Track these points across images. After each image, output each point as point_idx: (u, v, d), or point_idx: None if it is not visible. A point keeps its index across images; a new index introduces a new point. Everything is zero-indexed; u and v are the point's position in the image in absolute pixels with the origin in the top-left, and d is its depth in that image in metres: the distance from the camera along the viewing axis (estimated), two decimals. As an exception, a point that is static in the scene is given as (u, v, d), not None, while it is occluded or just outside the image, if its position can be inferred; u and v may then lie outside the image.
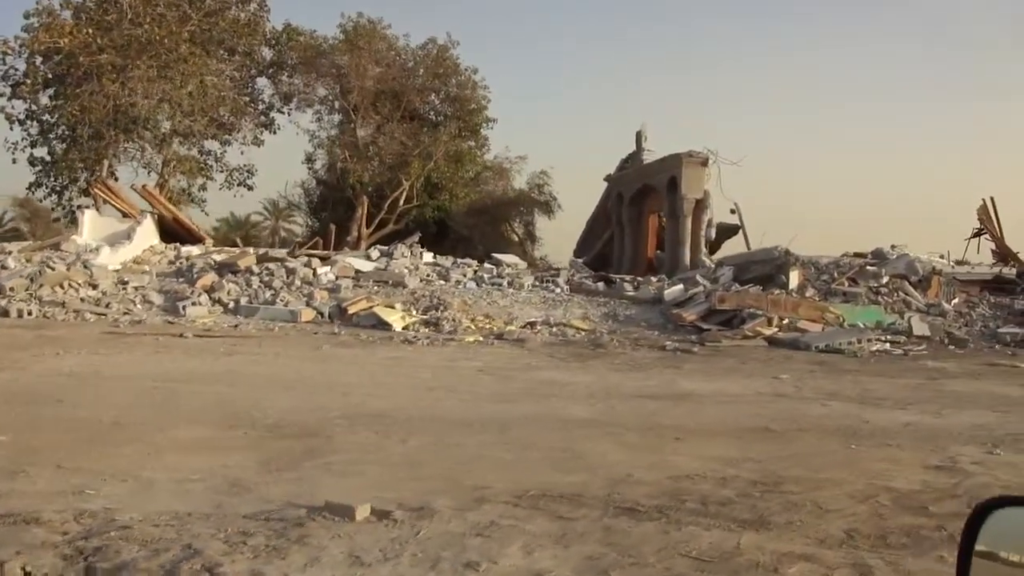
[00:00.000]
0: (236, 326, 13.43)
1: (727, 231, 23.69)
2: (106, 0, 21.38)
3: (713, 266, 17.71)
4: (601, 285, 17.57)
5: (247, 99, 23.72)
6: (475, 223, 23.95)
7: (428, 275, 17.18)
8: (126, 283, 16.35)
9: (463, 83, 23.61)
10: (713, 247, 22.27)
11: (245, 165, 24.32)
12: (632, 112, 62.61)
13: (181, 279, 16.76)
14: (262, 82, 23.84)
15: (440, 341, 12.29)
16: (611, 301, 15.92)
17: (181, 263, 17.51)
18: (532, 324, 14.08)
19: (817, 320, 13.99)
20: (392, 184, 22.34)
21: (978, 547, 1.15)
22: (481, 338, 12.64)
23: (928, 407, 7.94)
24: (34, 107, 21.39)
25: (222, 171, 24.29)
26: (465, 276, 17.67)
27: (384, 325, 13.58)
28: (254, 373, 8.79)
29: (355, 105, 22.53)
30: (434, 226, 23.12)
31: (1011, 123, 58.77)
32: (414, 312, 14.60)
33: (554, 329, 13.86)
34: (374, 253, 18.73)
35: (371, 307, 14.16)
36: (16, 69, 21.04)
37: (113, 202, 21.56)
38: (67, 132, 21.49)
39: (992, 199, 21.75)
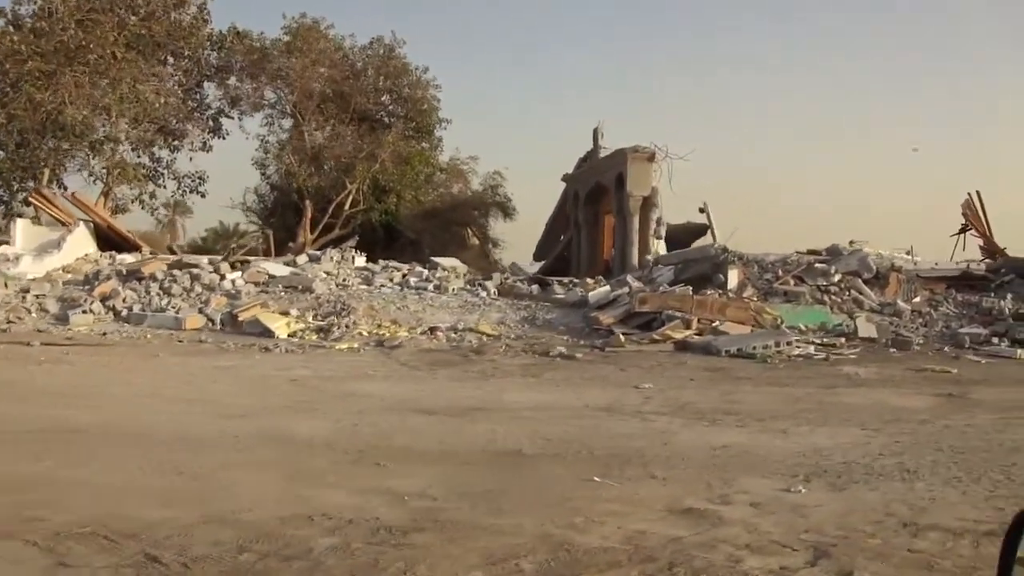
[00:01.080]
0: (104, 334, 12.50)
1: (696, 231, 22.24)
2: (41, 8, 20.80)
3: (650, 265, 16.28)
4: (535, 288, 16.28)
5: (194, 104, 22.94)
6: (424, 227, 22.76)
7: (345, 279, 16.09)
8: (27, 292, 15.58)
9: (413, 83, 22.54)
10: (683, 248, 20.80)
11: (196, 172, 23.54)
12: (593, 111, 60.82)
13: (86, 286, 15.94)
14: (209, 87, 23.04)
15: (306, 349, 11.18)
16: (532, 305, 14.63)
17: (88, 272, 16.70)
18: (433, 329, 12.88)
19: (746, 322, 12.53)
20: (337, 188, 21.34)
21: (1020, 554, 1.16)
22: (356, 345, 11.47)
23: (780, 424, 6.54)
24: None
25: (172, 178, 23.52)
26: (391, 280, 16.54)
27: (269, 332, 12.51)
28: (31, 384, 7.82)
29: (300, 108, 21.62)
30: (381, 230, 22.02)
31: (995, 118, 55.90)
32: (309, 318, 13.52)
33: (454, 335, 12.64)
34: (302, 258, 17.72)
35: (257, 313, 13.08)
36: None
37: (49, 211, 20.89)
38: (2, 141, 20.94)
39: (978, 193, 19.95)
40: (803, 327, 13.29)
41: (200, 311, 13.98)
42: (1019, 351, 11.28)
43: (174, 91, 22.44)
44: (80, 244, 19.53)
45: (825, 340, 12.23)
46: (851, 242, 16.33)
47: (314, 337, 12.54)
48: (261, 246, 20.01)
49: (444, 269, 17.72)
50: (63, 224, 20.54)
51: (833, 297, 14.29)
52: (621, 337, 11.60)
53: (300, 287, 15.18)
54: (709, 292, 14.01)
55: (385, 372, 9.10)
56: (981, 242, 20.26)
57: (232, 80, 22.80)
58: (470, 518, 3.91)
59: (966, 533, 3.90)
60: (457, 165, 25.28)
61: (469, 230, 24.42)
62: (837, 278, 14.79)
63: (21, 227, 19.94)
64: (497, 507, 4.09)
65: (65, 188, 22.70)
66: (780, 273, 14.77)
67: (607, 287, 14.61)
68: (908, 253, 16.87)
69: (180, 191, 23.88)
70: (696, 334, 12.08)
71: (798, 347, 11.21)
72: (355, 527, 3.73)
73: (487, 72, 54.99)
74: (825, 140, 57.04)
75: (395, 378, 8.68)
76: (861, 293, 14.48)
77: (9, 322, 13.78)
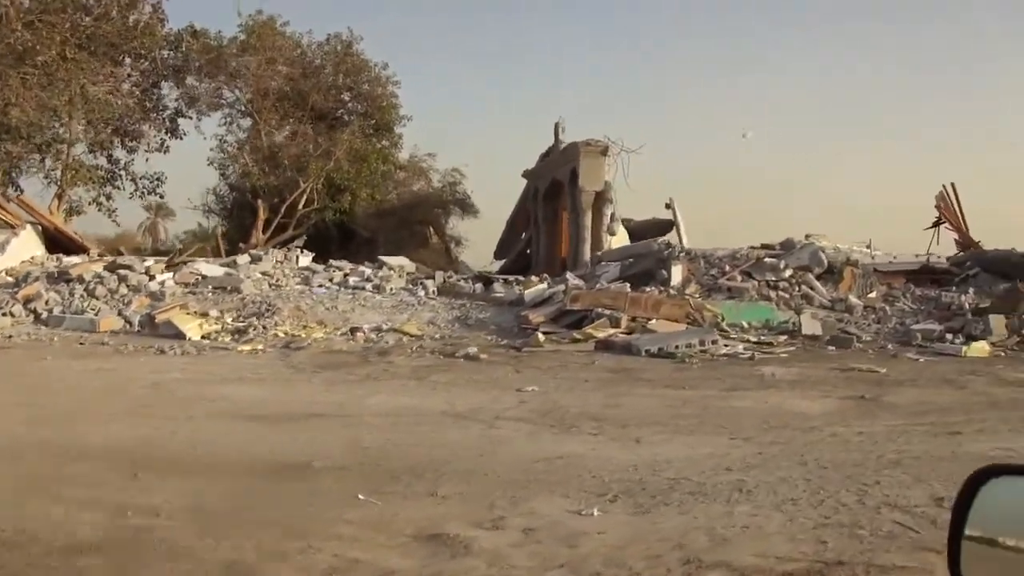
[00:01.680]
0: (9, 336, 12.00)
1: (662, 227, 21.60)
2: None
3: (596, 262, 15.63)
4: (479, 287, 15.67)
5: (150, 105, 22.40)
6: (379, 226, 22.12)
7: (279, 280, 15.54)
8: (-49, 294, 15.12)
9: (372, 80, 21.91)
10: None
11: (155, 173, 23.01)
12: (561, 106, 59.32)
13: (15, 288, 15.45)
14: (167, 87, 22.48)
15: (206, 350, 10.64)
16: (467, 304, 14.03)
17: (16, 275, 16.25)
18: (355, 330, 12.31)
19: (680, 320, 11.88)
20: (292, 187, 20.75)
21: (969, 531, 1.05)
22: (260, 347, 10.90)
23: (641, 431, 5.94)
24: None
25: (130, 180, 22.99)
26: (331, 280, 15.98)
27: (182, 334, 11.97)
28: None
29: (257, 107, 21.08)
30: (334, 230, 21.41)
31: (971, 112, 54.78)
32: (229, 320, 12.97)
33: (376, 335, 12.07)
34: (243, 259, 17.17)
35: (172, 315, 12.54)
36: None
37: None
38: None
39: (953, 185, 19.22)
40: (746, 324, 12.65)
41: (119, 313, 13.46)
42: (965, 348, 10.57)
43: (131, 92, 21.92)
44: (27, 247, 19.07)
45: (763, 338, 11.57)
46: (807, 236, 15.64)
47: (228, 339, 11.99)
48: (211, 247, 19.48)
49: (390, 268, 17.15)
50: (12, 227, 20.10)
51: (781, 293, 13.61)
52: (540, 336, 10.98)
53: (229, 288, 14.62)
54: (649, 289, 13.36)
55: (265, 375, 8.53)
56: (956, 236, 19.57)
57: (190, 80, 22.28)
58: (174, 538, 3.37)
59: (756, 575, 3.27)
60: (418, 162, 24.72)
61: (431, 229, 23.79)
62: (788, 273, 14.11)
63: (-34, 230, 19.50)
64: (220, 527, 3.52)
65: (21, 191, 22.27)
66: (728, 268, 14.10)
67: (543, 285, 14.00)
68: (868, 247, 16.14)
69: (138, 193, 23.34)
70: (626, 332, 11.44)
71: (726, 346, 10.55)
72: (34, 544, 3.23)
73: (451, 67, 54.02)
74: (810, 137, 56.09)
75: (269, 381, 8.11)
76: (812, 288, 13.80)
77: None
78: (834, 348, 11.11)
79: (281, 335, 12.09)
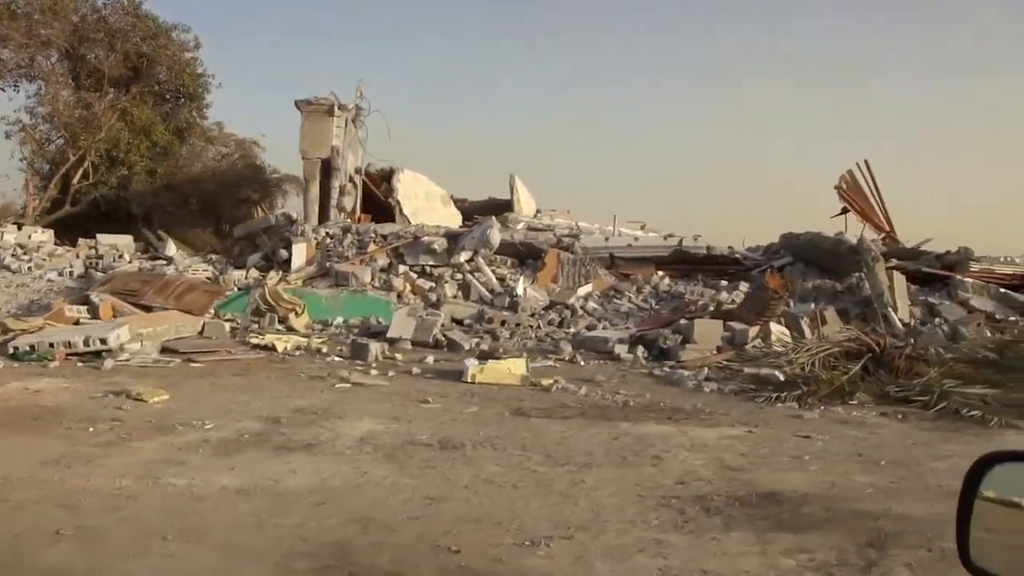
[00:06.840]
0: None
1: (497, 208, 17.78)
2: None
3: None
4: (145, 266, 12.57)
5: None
6: (156, 203, 19.08)
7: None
8: None
9: (171, 43, 18.90)
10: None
11: (-22, 146, 21.15)
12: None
13: None
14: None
15: None
16: (57, 288, 11.00)
17: None
18: None
19: (199, 312, 8.36)
20: (60, 160, 18.19)
21: (983, 491, 1.12)
22: None
23: None
24: None
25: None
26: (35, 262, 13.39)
27: None
28: None
29: (45, 74, 18.68)
30: (105, 206, 18.57)
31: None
32: None
33: None
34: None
35: None
36: None
37: None
38: None
39: (867, 163, 14.39)
40: (340, 321, 8.98)
41: None
42: (473, 370, 6.31)
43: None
44: None
45: (276, 341, 7.79)
46: (537, 211, 11.56)
47: None
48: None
49: (94, 247, 14.46)
50: None
51: (423, 281, 9.71)
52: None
53: None
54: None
55: None
56: (865, 225, 14.77)
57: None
58: None
59: None
60: (230, 135, 21.53)
61: (258, 207, 20.63)
62: (464, 257, 10.16)
63: None
64: None
65: None
66: (372, 248, 10.30)
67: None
68: (643, 227, 11.79)
69: (-34, 172, 21.44)
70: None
71: (141, 350, 6.90)
72: None
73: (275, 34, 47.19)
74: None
75: None
76: (486, 277, 9.82)
77: None
78: (340, 358, 7.25)
79: None
